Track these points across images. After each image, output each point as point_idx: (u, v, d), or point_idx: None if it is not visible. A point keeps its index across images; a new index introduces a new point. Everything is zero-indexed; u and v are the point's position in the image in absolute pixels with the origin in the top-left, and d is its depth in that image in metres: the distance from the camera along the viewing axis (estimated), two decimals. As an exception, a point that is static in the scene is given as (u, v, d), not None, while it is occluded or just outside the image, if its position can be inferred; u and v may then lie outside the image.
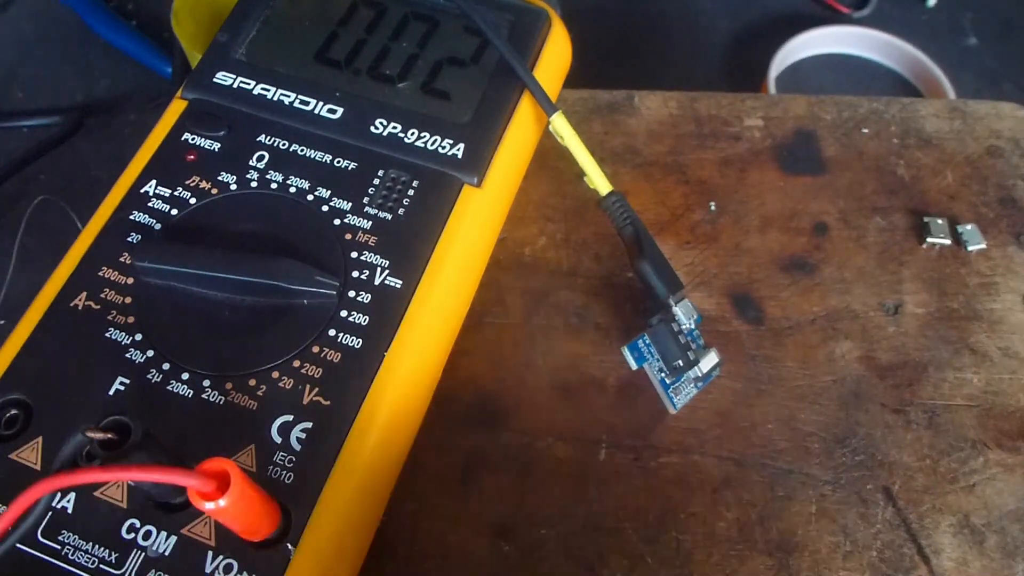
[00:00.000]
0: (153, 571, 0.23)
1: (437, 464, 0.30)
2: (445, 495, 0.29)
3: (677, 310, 0.30)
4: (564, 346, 0.32)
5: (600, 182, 0.31)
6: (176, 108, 0.32)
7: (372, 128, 0.31)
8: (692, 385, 0.31)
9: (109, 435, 0.21)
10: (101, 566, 0.23)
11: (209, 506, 0.19)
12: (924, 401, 0.31)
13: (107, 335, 0.27)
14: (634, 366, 0.30)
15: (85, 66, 0.56)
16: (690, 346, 0.30)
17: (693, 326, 0.31)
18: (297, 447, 0.25)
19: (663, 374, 0.30)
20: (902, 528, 0.28)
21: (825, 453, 0.30)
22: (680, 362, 0.30)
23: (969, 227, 0.35)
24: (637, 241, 0.31)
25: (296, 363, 0.26)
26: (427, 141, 0.31)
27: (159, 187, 0.30)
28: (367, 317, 0.27)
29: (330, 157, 0.31)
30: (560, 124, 0.31)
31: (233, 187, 0.30)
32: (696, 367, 0.30)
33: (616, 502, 0.29)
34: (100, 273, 0.28)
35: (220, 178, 0.30)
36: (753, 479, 0.29)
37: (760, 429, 0.31)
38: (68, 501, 0.24)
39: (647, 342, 0.30)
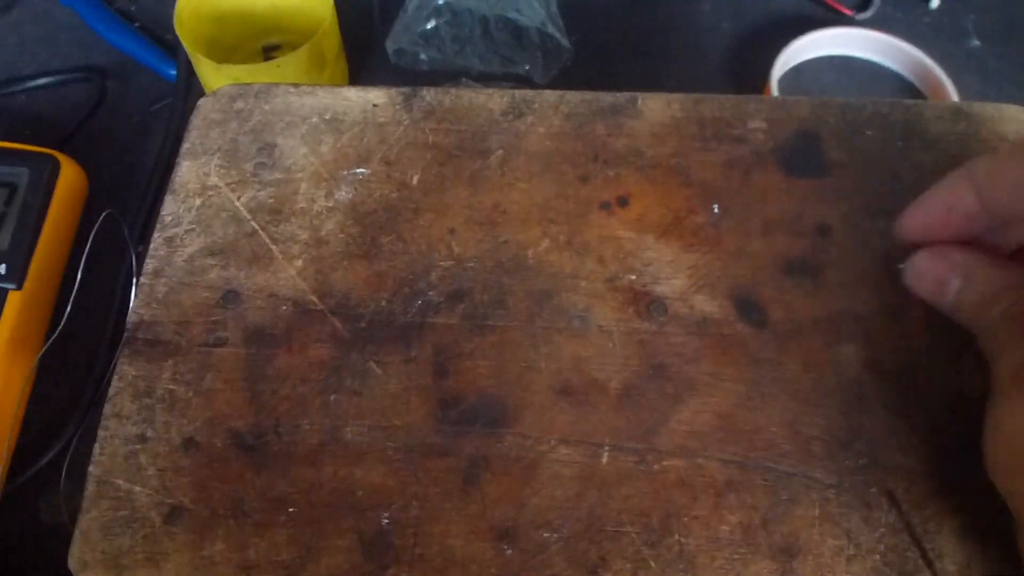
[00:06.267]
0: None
1: (439, 467, 0.30)
2: (447, 498, 0.29)
3: None
4: (567, 349, 0.32)
5: None
6: None
7: None
8: None
9: None
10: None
11: None
12: (928, 404, 0.31)
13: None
14: None
15: (87, 68, 0.56)
16: None
17: None
18: None
19: None
20: (905, 532, 0.28)
21: (828, 456, 0.30)
22: None
23: (973, 230, 0.35)
24: None
25: None
26: None
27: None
28: None
29: None
30: None
31: None
32: None
33: (619, 505, 0.29)
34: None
35: None
36: (756, 482, 0.29)
37: (763, 432, 0.31)
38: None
39: None
